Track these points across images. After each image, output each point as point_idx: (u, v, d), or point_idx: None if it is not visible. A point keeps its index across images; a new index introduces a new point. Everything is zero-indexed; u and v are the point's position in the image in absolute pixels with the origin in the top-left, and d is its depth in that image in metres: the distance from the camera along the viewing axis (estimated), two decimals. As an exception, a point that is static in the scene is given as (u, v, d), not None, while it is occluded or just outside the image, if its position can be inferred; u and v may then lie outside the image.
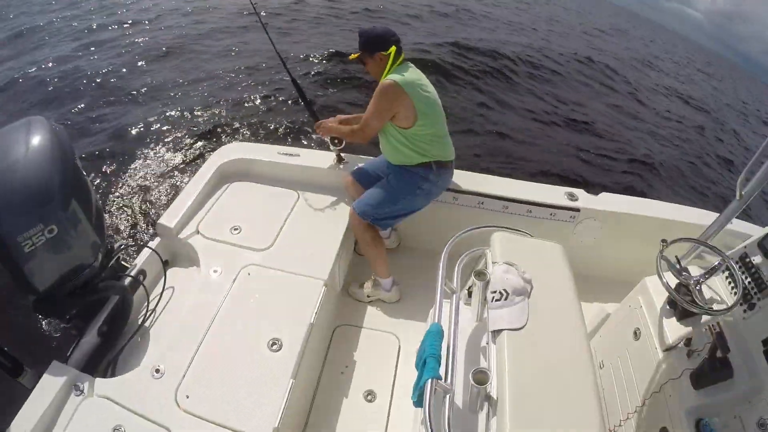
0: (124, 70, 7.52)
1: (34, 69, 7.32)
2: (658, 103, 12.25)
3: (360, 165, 2.83)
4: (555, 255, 1.77)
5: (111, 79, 7.12)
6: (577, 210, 2.74)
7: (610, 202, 2.81)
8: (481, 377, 1.30)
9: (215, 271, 2.28)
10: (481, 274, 1.64)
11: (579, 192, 2.83)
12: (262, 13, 2.78)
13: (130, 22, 9.77)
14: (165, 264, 2.42)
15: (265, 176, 2.89)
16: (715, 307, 1.78)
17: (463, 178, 2.81)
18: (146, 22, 9.88)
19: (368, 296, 2.73)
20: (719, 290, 1.94)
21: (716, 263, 1.86)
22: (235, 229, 2.51)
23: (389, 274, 2.69)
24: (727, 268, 1.84)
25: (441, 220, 2.86)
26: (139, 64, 7.77)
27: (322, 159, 2.92)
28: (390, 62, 2.35)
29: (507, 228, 1.91)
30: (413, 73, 2.36)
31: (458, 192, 2.78)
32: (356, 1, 13.05)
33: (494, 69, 9.64)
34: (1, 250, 1.58)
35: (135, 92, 6.76)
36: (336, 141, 2.79)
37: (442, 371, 1.37)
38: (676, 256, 1.95)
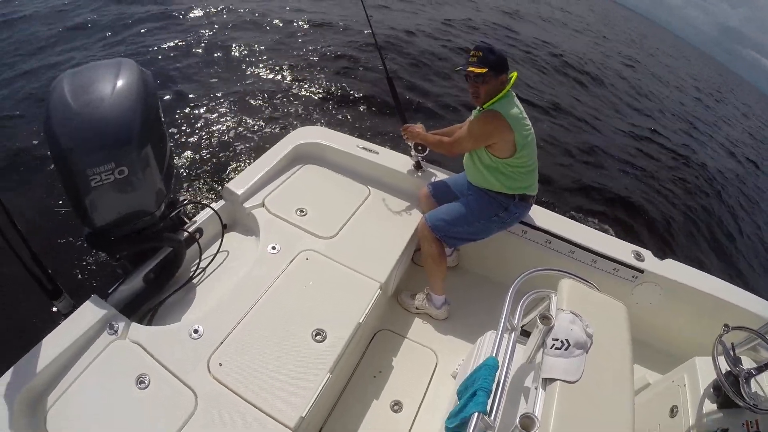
0: (221, 34, 7.83)
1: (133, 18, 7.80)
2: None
3: (438, 179, 2.75)
4: (619, 315, 1.68)
5: (205, 39, 7.44)
6: (641, 271, 2.58)
7: (674, 269, 2.63)
8: (527, 423, 1.27)
9: (273, 248, 2.25)
10: (545, 318, 1.57)
11: (646, 253, 2.66)
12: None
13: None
14: (224, 228, 2.42)
15: (341, 166, 2.86)
16: (760, 404, 1.68)
17: (535, 213, 2.69)
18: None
19: (417, 308, 2.65)
20: (765, 386, 1.82)
21: None
22: (301, 211, 2.48)
23: (443, 291, 2.60)
24: None
25: (507, 251, 2.76)
26: (237, 33, 8.05)
27: (401, 162, 2.85)
28: (509, 87, 2.27)
29: (577, 276, 1.80)
30: (517, 107, 2.27)
31: (529, 226, 2.66)
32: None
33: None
34: (67, 179, 1.60)
35: (227, 59, 7.02)
36: (420, 148, 2.71)
37: (487, 406, 1.34)
38: (732, 343, 1.84)
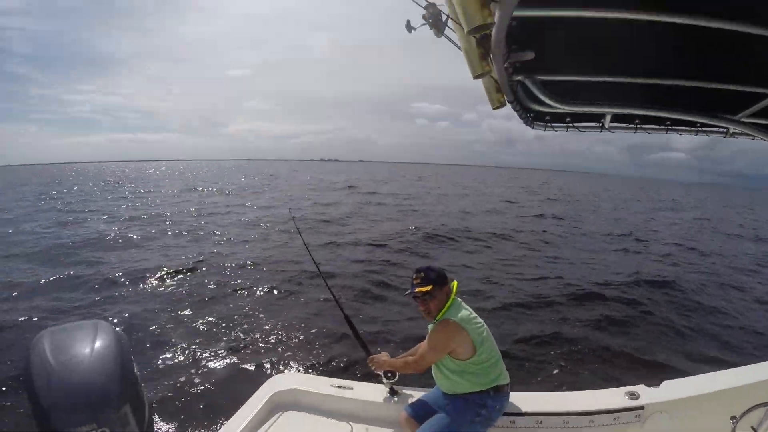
0: (189, 299, 8.39)
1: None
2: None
3: (414, 399, 2.78)
4: None
5: (166, 303, 7.95)
6: (641, 407, 2.53)
7: (674, 389, 2.61)
8: None
9: None
10: None
11: (639, 388, 2.66)
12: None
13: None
14: None
15: (319, 408, 2.86)
16: None
17: (518, 400, 2.69)
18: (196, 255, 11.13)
19: None
20: None
21: None
22: None
23: None
24: None
25: None
26: (201, 295, 8.63)
27: (376, 392, 2.89)
28: (453, 295, 2.54)
29: None
30: (465, 310, 2.52)
31: (515, 415, 2.63)
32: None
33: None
34: None
35: (191, 321, 7.32)
36: (389, 374, 2.81)
37: None
38: (752, 427, 1.79)
